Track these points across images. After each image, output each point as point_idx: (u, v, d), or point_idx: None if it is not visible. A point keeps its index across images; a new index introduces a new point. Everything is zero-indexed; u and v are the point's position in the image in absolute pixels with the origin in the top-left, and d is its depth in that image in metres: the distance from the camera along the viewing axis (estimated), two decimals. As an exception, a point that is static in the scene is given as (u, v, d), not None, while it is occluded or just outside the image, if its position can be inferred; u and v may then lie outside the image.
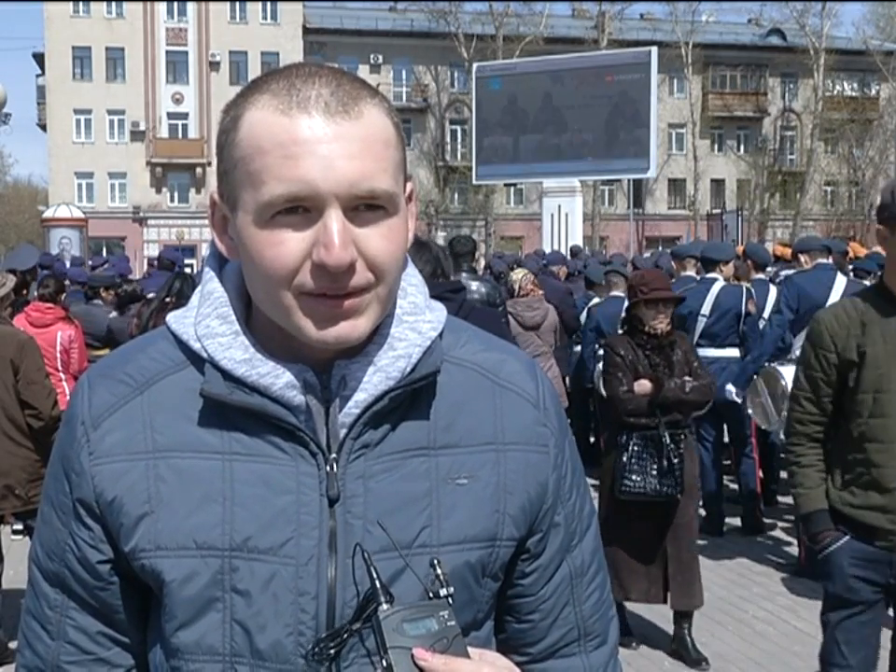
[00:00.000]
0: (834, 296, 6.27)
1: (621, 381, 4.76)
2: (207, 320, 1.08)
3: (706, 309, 7.11)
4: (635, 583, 4.87)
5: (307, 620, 1.02)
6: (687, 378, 4.80)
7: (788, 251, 10.13)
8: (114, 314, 8.16)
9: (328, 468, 1.04)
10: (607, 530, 4.67)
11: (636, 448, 4.70)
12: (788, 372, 5.97)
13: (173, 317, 1.12)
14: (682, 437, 4.78)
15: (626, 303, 5.12)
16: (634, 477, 4.67)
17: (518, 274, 8.36)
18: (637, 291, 4.83)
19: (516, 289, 8.13)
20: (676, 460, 4.66)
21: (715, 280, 7.26)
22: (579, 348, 9.48)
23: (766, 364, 6.52)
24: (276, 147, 0.96)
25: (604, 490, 4.90)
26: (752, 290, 7.40)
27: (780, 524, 7.57)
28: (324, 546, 1.03)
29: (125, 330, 7.26)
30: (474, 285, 6.85)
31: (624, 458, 4.69)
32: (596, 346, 8.95)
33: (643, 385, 4.76)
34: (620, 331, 5.09)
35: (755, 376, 6.34)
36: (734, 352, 7.15)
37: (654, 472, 4.66)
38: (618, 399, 4.76)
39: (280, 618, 1.02)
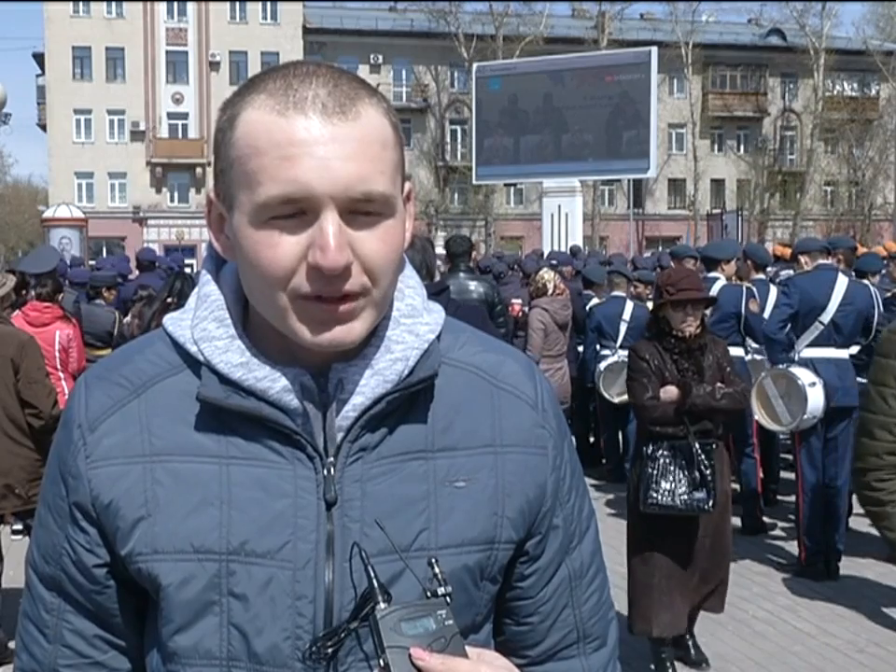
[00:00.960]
0: (836, 296, 6.26)
1: (645, 387, 4.46)
2: (204, 323, 1.07)
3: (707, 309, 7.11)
4: (659, 614, 4.51)
5: (304, 624, 1.02)
6: (719, 384, 4.49)
7: (788, 251, 10.13)
8: (127, 318, 8.10)
9: (325, 471, 1.03)
10: (632, 548, 4.57)
11: (663, 459, 4.39)
12: (802, 374, 6.01)
13: (169, 320, 1.11)
14: (713, 447, 4.46)
15: (650, 304, 4.88)
16: (662, 490, 4.36)
17: (549, 274, 8.30)
18: (663, 291, 4.51)
19: (550, 289, 8.04)
20: (708, 471, 4.34)
21: (716, 279, 7.26)
22: (580, 348, 9.50)
23: (770, 365, 6.53)
24: (272, 147, 0.96)
25: (630, 502, 4.63)
26: (754, 290, 7.40)
27: (780, 524, 7.57)
28: (321, 550, 1.02)
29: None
30: (472, 284, 6.84)
31: (651, 469, 4.37)
32: (598, 347, 8.98)
33: (669, 392, 4.45)
34: (646, 335, 4.73)
35: (761, 378, 6.33)
36: (737, 351, 7.15)
37: (684, 484, 4.34)
38: (642, 407, 4.47)
39: (277, 622, 1.02)
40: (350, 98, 0.98)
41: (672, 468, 4.36)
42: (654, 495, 4.36)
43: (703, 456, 4.37)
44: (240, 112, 0.99)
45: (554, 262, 11.45)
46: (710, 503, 4.35)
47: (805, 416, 5.97)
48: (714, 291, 7.12)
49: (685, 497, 4.34)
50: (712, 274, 7.35)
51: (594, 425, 9.87)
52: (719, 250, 7.85)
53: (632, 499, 4.56)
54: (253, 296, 1.04)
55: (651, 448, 4.43)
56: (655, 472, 4.37)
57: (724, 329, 7.11)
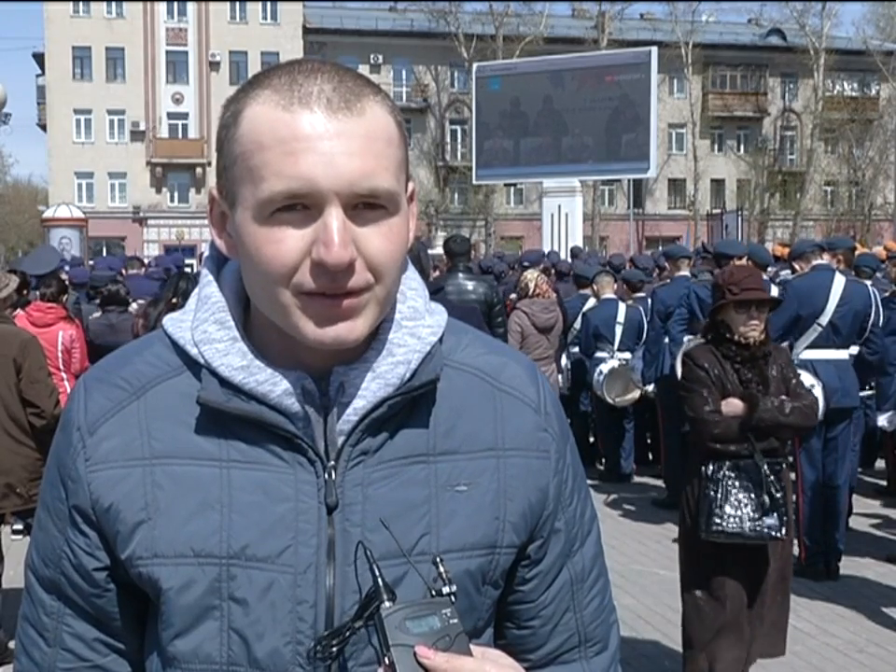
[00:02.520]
0: (833, 297, 6.25)
1: (706, 399, 3.97)
2: (204, 325, 1.07)
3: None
4: (724, 651, 4.03)
5: (305, 628, 1.01)
6: (784, 398, 4.02)
7: (787, 251, 10.13)
8: (97, 314, 7.82)
9: (326, 475, 1.02)
10: (691, 580, 4.08)
11: (727, 480, 3.91)
12: (801, 377, 5.98)
13: (169, 321, 1.10)
14: (782, 467, 4.01)
15: (707, 305, 4.38)
16: (727, 515, 3.88)
17: (532, 274, 8.26)
18: (724, 291, 4.03)
19: (531, 288, 7.97)
20: (778, 494, 3.90)
21: None
22: (576, 349, 9.50)
23: None
24: (277, 142, 0.95)
25: (684, 530, 4.14)
26: None
27: (780, 524, 7.57)
28: (322, 554, 1.02)
29: (103, 333, 7.21)
30: (471, 285, 6.82)
31: (713, 492, 3.89)
32: (597, 353, 8.98)
33: (733, 405, 3.97)
34: (702, 340, 4.23)
35: None
36: None
37: (751, 509, 3.89)
38: (703, 422, 3.97)
39: (278, 626, 1.01)
40: (355, 94, 0.98)
41: (737, 490, 3.91)
42: (719, 521, 3.89)
43: (772, 478, 3.91)
44: (244, 108, 0.99)
45: (526, 263, 11.32)
46: (783, 530, 3.91)
47: None
48: None
49: (754, 523, 3.89)
50: None
51: (592, 425, 9.88)
52: (731, 247, 7.84)
53: (689, 525, 4.06)
54: (255, 293, 1.03)
55: (711, 468, 3.93)
56: (719, 495, 3.89)
57: None
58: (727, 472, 3.92)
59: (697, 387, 4.03)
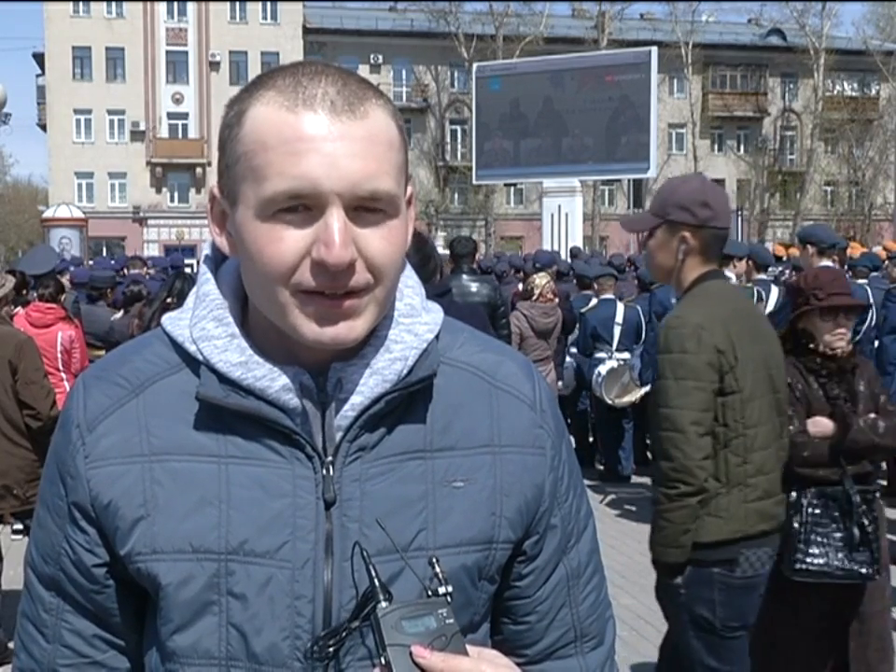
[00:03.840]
0: None
1: (790, 418, 3.46)
2: (203, 322, 1.07)
3: None
4: None
5: (303, 623, 1.02)
6: (875, 415, 3.61)
7: (788, 251, 10.13)
8: (118, 314, 8.12)
9: (324, 471, 1.03)
10: (765, 620, 3.51)
11: (813, 510, 3.46)
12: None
13: (168, 319, 1.11)
14: (873, 496, 3.55)
15: (787, 312, 3.99)
16: (813, 550, 3.43)
17: (542, 280, 8.29)
18: (808, 297, 3.62)
19: (535, 294, 8.03)
20: (870, 527, 3.45)
21: (727, 278, 7.22)
22: (574, 350, 9.50)
23: None
24: (281, 143, 0.96)
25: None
26: (762, 292, 7.38)
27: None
28: (320, 549, 1.02)
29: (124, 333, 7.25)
30: (474, 286, 6.83)
31: (797, 524, 3.44)
32: (595, 353, 8.99)
33: (822, 426, 3.53)
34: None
35: None
36: None
37: (840, 544, 3.44)
38: (789, 444, 3.47)
39: (276, 621, 1.02)
40: (359, 98, 0.99)
41: (824, 521, 3.47)
42: (803, 557, 3.44)
43: (864, 507, 3.46)
44: (248, 108, 1.00)
45: (538, 265, 11.29)
46: (874, 567, 3.46)
47: None
48: None
49: (843, 559, 3.44)
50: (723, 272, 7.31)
51: (591, 425, 9.88)
52: (732, 248, 7.83)
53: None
54: (254, 292, 1.04)
55: (794, 496, 3.46)
56: (803, 528, 3.45)
57: None
58: (812, 501, 3.48)
59: None
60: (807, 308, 3.62)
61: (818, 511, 3.47)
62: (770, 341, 3.10)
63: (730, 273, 7.27)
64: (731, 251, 7.53)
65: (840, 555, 3.44)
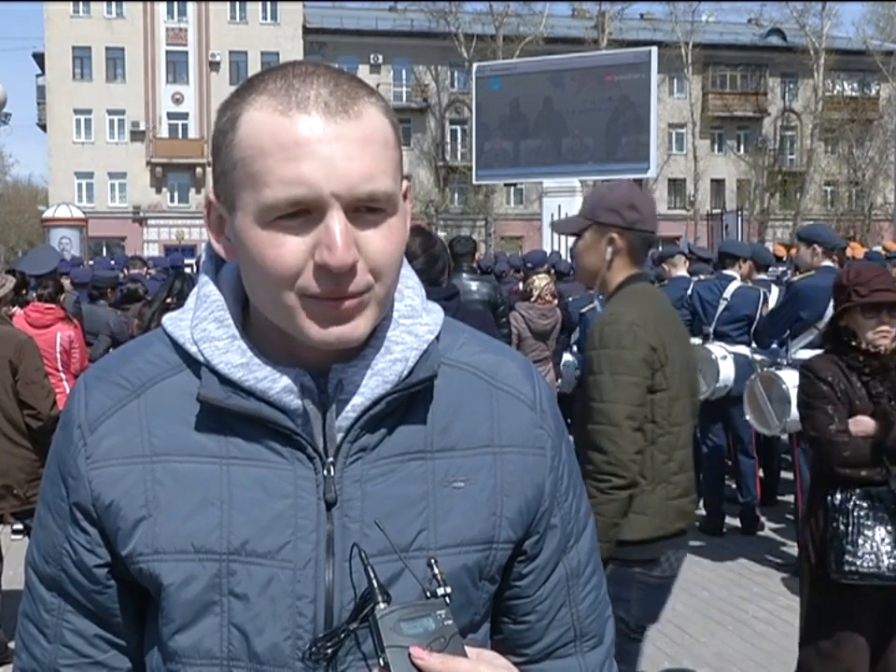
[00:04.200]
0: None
1: (831, 418, 3.48)
2: (204, 324, 1.08)
3: (721, 306, 7.14)
4: None
5: (305, 623, 1.02)
6: None
7: (789, 252, 10.13)
8: (120, 312, 8.16)
9: (325, 471, 1.04)
10: (814, 626, 3.55)
11: (858, 511, 3.41)
12: (788, 376, 6.02)
13: (169, 320, 1.11)
14: None
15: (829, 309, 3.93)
16: (861, 552, 3.36)
17: (542, 282, 8.28)
18: (850, 292, 3.56)
19: (535, 295, 8.03)
20: None
21: (732, 278, 7.25)
22: (576, 349, 9.49)
23: (763, 368, 6.54)
24: (277, 148, 0.96)
25: (807, 569, 3.60)
26: (770, 294, 7.38)
27: (780, 524, 7.57)
28: (321, 550, 1.03)
29: (123, 331, 7.26)
30: (474, 285, 6.83)
31: (843, 525, 3.39)
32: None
33: (864, 424, 3.48)
34: (822, 349, 3.79)
35: (751, 380, 6.34)
36: (744, 350, 7.17)
37: (889, 545, 3.38)
38: (829, 443, 3.47)
39: (278, 621, 1.02)
40: (351, 97, 0.98)
41: (871, 523, 3.40)
42: (851, 559, 3.37)
43: None
44: (241, 113, 0.99)
45: (529, 265, 11.29)
46: None
47: (789, 420, 5.96)
48: (729, 291, 7.14)
49: (893, 560, 3.36)
50: (728, 272, 7.34)
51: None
52: (737, 247, 7.84)
53: (813, 564, 3.55)
54: (257, 296, 1.04)
55: (839, 497, 3.43)
56: (850, 529, 3.39)
57: (736, 329, 7.14)
58: (858, 502, 3.42)
59: (821, 404, 3.53)
60: (849, 305, 3.56)
61: (864, 513, 3.41)
62: (688, 345, 3.16)
63: (734, 274, 7.29)
64: (734, 251, 7.53)
65: (889, 557, 3.37)
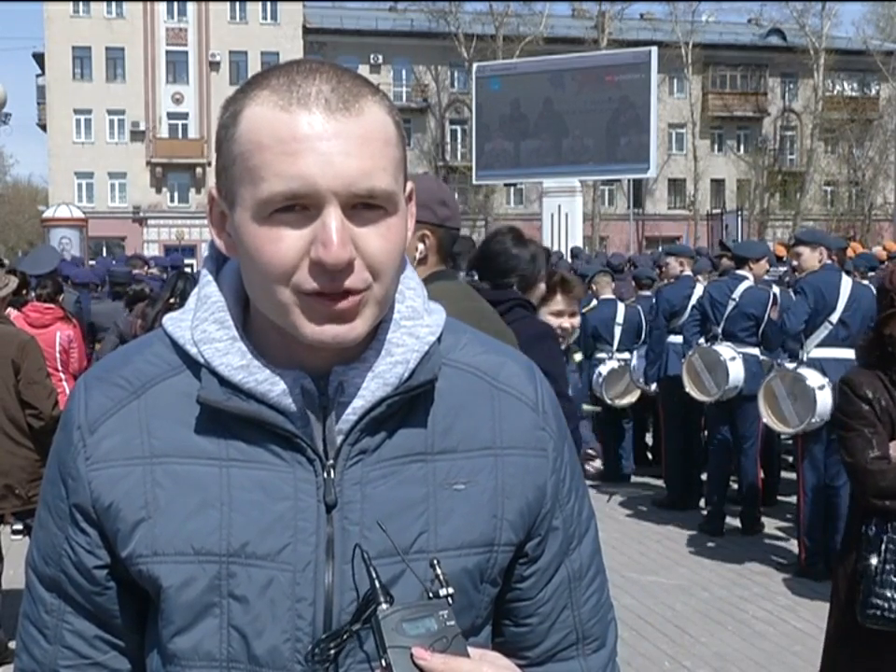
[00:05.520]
0: (843, 296, 6.30)
1: (869, 441, 3.10)
2: (204, 325, 1.07)
3: (730, 306, 7.16)
4: None
5: (304, 626, 1.02)
6: None
7: (790, 252, 10.12)
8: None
9: (325, 474, 1.03)
10: (834, 665, 3.29)
11: (891, 546, 3.02)
12: (811, 376, 6.04)
13: (169, 320, 1.11)
14: None
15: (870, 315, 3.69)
16: (889, 594, 2.99)
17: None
18: (893, 298, 3.15)
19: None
20: None
21: (744, 278, 7.26)
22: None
23: (779, 364, 6.58)
24: (276, 143, 0.96)
25: (839, 605, 3.25)
26: (777, 295, 7.40)
27: (780, 524, 7.58)
28: (321, 552, 1.02)
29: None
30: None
31: (873, 563, 3.02)
32: (596, 353, 8.99)
33: None
34: (863, 361, 3.37)
35: (770, 378, 6.37)
36: (752, 350, 7.18)
37: None
38: (864, 472, 3.10)
39: (277, 624, 1.02)
40: (353, 95, 0.98)
41: None
42: (876, 601, 3.01)
43: None
44: (243, 108, 0.99)
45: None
46: None
47: (814, 420, 6.01)
48: (739, 292, 7.15)
49: None
50: (740, 272, 7.35)
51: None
52: (749, 249, 7.85)
53: (842, 601, 3.21)
54: (254, 293, 1.03)
55: (874, 530, 3.05)
56: (881, 568, 3.02)
57: (744, 329, 7.15)
58: (893, 537, 3.03)
59: (858, 425, 3.14)
60: (893, 311, 3.15)
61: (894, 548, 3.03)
62: (508, 341, 2.98)
63: (747, 274, 7.30)
64: (748, 253, 7.54)
65: None
